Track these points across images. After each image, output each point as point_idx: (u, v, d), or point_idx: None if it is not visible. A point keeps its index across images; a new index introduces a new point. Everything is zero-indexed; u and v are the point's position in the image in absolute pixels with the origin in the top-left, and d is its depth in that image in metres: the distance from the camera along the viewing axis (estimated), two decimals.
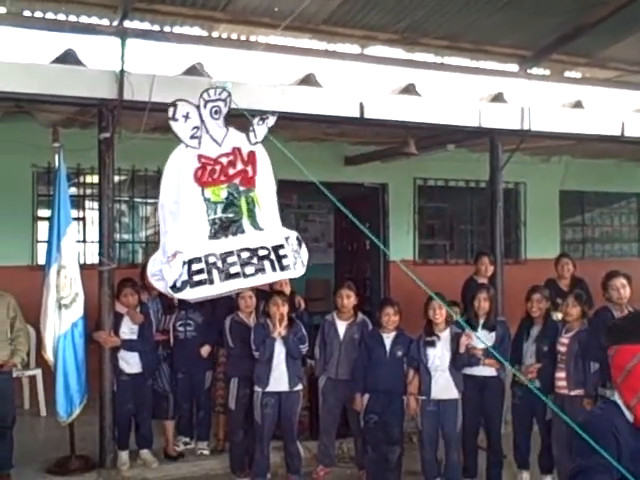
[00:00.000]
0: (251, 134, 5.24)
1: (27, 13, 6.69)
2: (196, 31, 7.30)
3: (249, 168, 5.19)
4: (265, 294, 6.27)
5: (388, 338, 5.96)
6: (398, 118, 7.15)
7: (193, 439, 6.76)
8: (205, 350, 6.53)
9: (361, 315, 6.28)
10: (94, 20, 6.87)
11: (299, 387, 6.00)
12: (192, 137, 5.06)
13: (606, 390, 5.51)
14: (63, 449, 6.18)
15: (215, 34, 7.39)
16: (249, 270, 5.01)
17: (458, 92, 8.30)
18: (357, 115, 6.88)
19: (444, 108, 7.38)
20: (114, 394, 6.20)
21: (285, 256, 5.11)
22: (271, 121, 5.32)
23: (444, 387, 5.77)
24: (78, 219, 8.62)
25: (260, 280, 5.13)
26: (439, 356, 5.80)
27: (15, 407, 6.08)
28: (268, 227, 5.20)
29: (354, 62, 8.04)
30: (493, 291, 6.47)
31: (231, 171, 5.14)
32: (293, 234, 5.33)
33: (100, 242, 6.22)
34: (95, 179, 7.96)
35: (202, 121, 5.11)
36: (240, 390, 6.10)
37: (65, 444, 6.14)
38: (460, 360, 5.80)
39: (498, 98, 7.96)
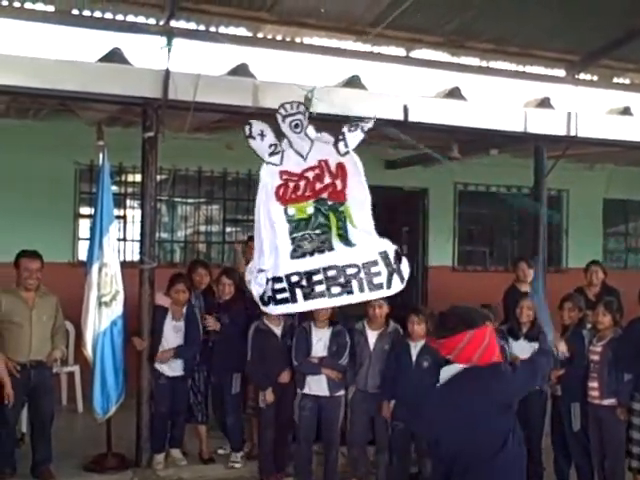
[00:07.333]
0: (340, 144, 4.94)
1: (75, 12, 6.76)
2: (242, 31, 7.32)
3: (338, 181, 4.94)
4: None
5: (415, 348, 5.71)
6: (442, 122, 7.04)
7: (226, 445, 6.58)
8: None
9: (393, 324, 5.96)
10: (141, 19, 6.94)
11: (340, 392, 5.87)
12: (272, 154, 4.99)
13: (635, 403, 5.42)
14: (99, 446, 6.18)
15: (260, 35, 7.39)
16: (335, 290, 4.92)
17: (504, 97, 8.18)
18: (401, 118, 6.79)
19: (489, 112, 7.25)
20: (152, 396, 6.16)
21: (378, 273, 4.87)
22: (367, 125, 5.05)
23: None
24: (119, 217, 8.63)
25: (346, 300, 5.02)
26: None
27: (54, 403, 6.11)
28: (361, 242, 4.99)
29: (399, 65, 7.97)
30: None
31: (318, 186, 4.96)
32: (391, 248, 5.05)
33: (141, 241, 6.21)
34: (137, 178, 7.99)
35: (284, 135, 5.03)
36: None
37: (102, 442, 6.15)
38: None
39: (544, 103, 7.80)
